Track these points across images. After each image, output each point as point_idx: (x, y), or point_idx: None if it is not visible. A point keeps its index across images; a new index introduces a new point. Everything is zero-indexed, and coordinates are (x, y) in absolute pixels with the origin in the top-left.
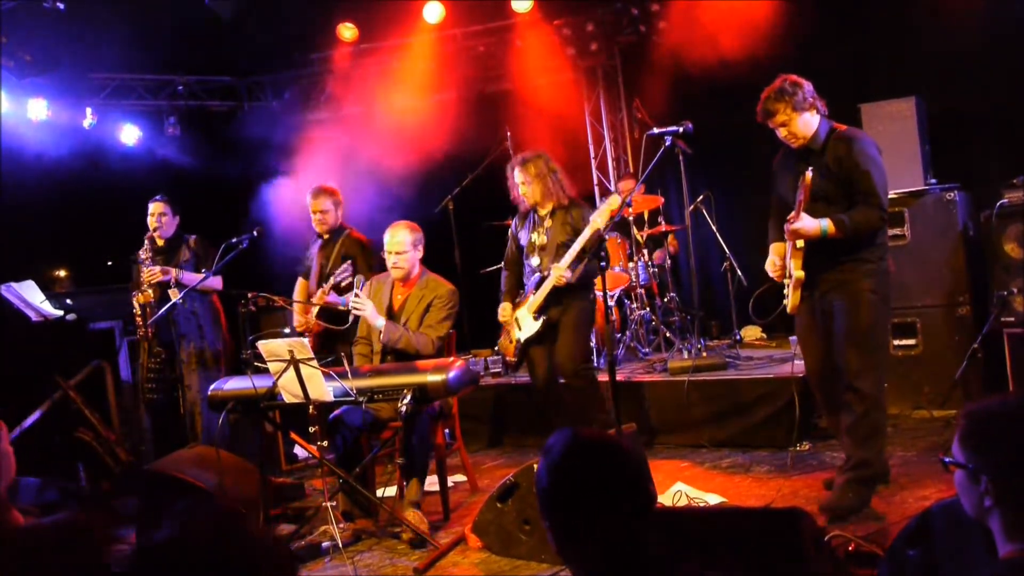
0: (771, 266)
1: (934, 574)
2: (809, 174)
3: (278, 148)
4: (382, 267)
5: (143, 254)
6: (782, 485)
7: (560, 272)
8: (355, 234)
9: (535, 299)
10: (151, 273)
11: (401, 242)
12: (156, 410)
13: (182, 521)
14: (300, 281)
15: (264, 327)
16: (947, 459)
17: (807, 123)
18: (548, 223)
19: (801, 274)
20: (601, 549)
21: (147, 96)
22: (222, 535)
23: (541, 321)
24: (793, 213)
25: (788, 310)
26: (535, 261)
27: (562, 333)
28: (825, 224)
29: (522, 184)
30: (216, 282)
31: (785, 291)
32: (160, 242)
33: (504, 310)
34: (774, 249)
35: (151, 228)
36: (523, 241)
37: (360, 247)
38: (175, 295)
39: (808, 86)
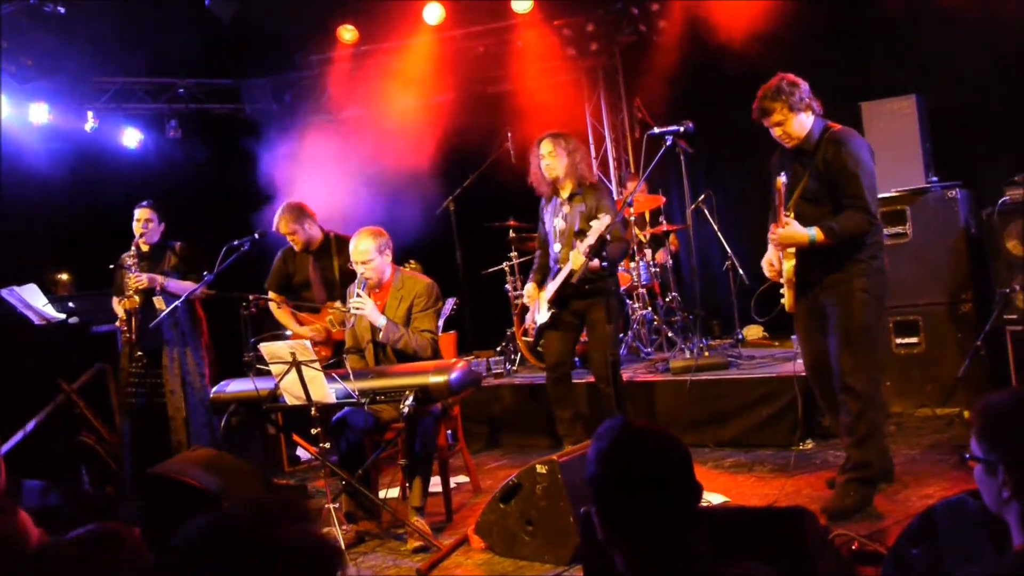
0: (766, 264)
1: (938, 572)
2: (781, 179)
3: (279, 150)
4: None
5: (129, 259)
6: (785, 484)
7: (580, 257)
8: (346, 237)
9: (550, 289)
10: (137, 280)
11: (365, 251)
12: (135, 414)
13: (219, 514)
14: (273, 296)
15: (265, 329)
16: (968, 455)
17: (802, 124)
18: (567, 208)
19: (790, 269)
20: (649, 539)
21: (148, 99)
22: (264, 526)
23: (550, 314)
24: (774, 224)
25: (787, 309)
26: (556, 248)
27: (592, 337)
28: (813, 233)
29: (547, 156)
30: (183, 286)
31: (782, 290)
32: (145, 248)
33: (529, 291)
34: (772, 249)
35: (136, 234)
36: (548, 227)
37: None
38: (160, 302)
39: (805, 86)
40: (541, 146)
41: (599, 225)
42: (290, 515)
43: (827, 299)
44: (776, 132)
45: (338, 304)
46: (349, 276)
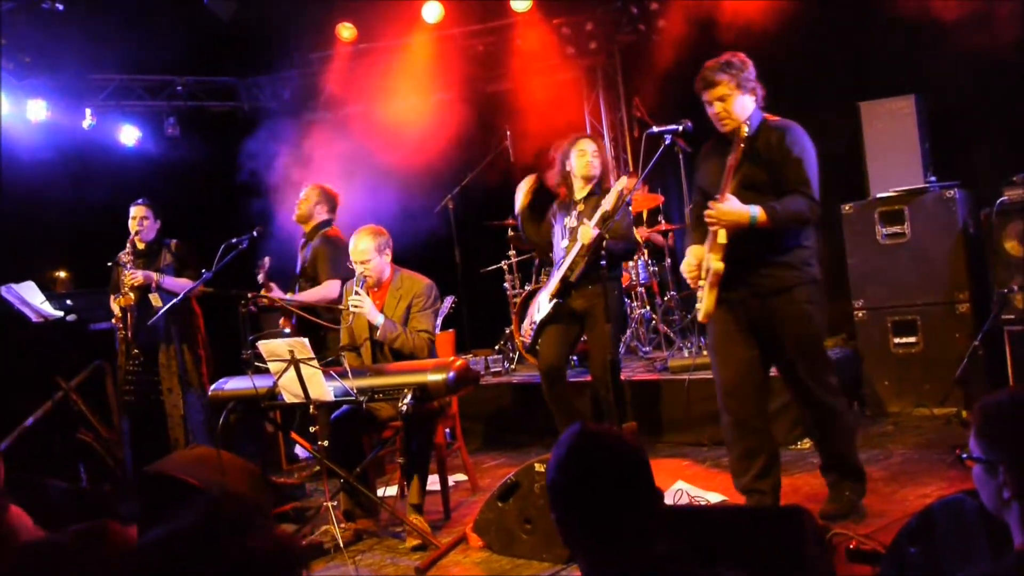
0: (686, 267)
1: (935, 571)
2: (736, 153)
3: (277, 148)
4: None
5: (124, 257)
6: (783, 483)
7: (588, 230)
8: (329, 233)
9: (554, 279)
10: (132, 277)
11: (364, 250)
12: (133, 413)
13: (183, 519)
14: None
15: (265, 327)
16: (964, 455)
17: (744, 106)
18: (581, 207)
19: (720, 266)
20: (608, 546)
21: (146, 97)
22: (222, 532)
23: (553, 304)
24: (719, 195)
25: (700, 317)
26: (563, 243)
27: (591, 335)
28: (756, 211)
29: (592, 155)
30: (179, 283)
31: (699, 295)
32: (141, 246)
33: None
34: (692, 252)
35: (132, 231)
36: (557, 227)
37: (328, 245)
38: (156, 300)
39: (754, 69)
40: (581, 143)
41: (613, 192)
42: (251, 521)
43: (759, 309)
44: (716, 108)
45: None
46: (308, 268)
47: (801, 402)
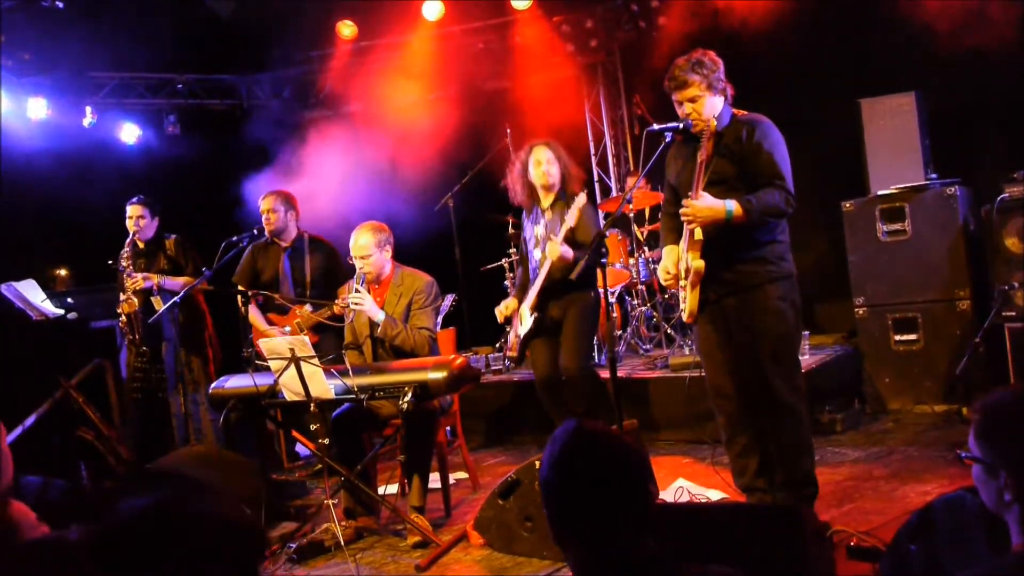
0: (663, 272)
1: (935, 568)
2: (707, 148)
3: (278, 146)
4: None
5: (123, 261)
6: None
7: (556, 247)
8: (321, 239)
9: (531, 293)
10: (133, 282)
11: (364, 246)
12: (140, 410)
13: (143, 499)
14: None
15: None
16: (963, 454)
17: (714, 106)
18: (548, 215)
19: (701, 264)
20: (599, 544)
21: (147, 95)
22: (172, 512)
23: (533, 318)
24: (692, 192)
25: (685, 318)
26: (537, 254)
27: (565, 333)
28: (732, 206)
29: (546, 163)
30: (179, 283)
31: (681, 295)
32: (141, 245)
33: (506, 306)
34: (667, 253)
35: (130, 231)
36: (528, 235)
37: (332, 252)
38: (158, 303)
39: (723, 68)
40: (536, 152)
41: (574, 208)
42: (202, 498)
43: (738, 308)
44: (686, 109)
45: (306, 308)
46: (320, 279)
47: (761, 405)
